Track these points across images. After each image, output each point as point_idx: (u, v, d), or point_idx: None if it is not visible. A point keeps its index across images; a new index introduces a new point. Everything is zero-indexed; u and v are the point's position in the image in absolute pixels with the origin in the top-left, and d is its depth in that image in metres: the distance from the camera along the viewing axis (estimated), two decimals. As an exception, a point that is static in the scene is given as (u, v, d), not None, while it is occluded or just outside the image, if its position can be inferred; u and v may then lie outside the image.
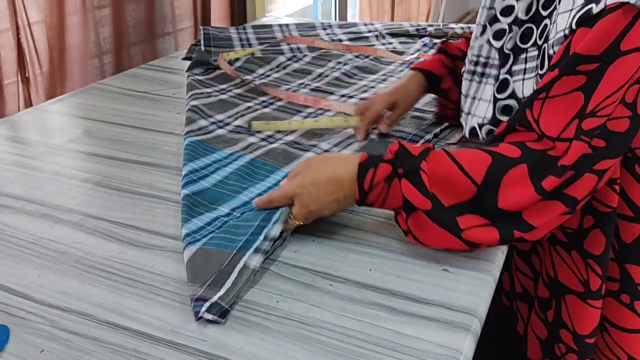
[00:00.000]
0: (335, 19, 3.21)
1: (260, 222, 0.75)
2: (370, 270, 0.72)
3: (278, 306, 0.66)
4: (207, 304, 0.63)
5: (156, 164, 0.99)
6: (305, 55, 1.52)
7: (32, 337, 0.62)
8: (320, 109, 1.19)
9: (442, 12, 4.14)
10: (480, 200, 0.68)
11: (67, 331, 0.63)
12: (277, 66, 1.45)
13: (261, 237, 0.72)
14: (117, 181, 0.93)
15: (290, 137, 1.06)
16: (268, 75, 1.39)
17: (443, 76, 1.03)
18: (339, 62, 1.46)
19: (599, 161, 0.67)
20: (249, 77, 1.36)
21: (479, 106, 0.88)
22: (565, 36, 0.70)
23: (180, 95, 1.29)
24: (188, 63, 1.42)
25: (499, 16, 0.83)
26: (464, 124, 0.93)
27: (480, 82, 0.88)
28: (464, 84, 0.92)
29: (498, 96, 0.83)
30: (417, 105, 1.18)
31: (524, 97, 0.79)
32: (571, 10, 0.69)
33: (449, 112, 1.06)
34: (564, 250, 0.84)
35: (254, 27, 1.78)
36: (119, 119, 1.17)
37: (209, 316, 0.63)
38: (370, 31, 1.74)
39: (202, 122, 1.10)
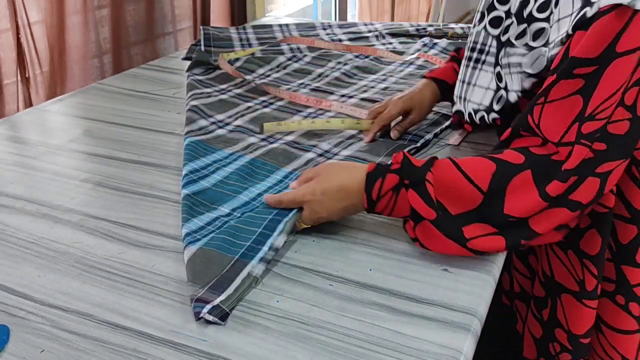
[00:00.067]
0: (335, 19, 3.21)
1: (264, 230, 0.75)
2: (370, 270, 0.72)
3: (278, 306, 0.66)
4: (209, 306, 0.63)
5: (156, 164, 0.99)
6: (305, 55, 1.52)
7: (32, 337, 0.62)
8: (321, 109, 1.19)
9: (442, 12, 4.14)
10: (486, 208, 0.69)
11: (67, 331, 0.63)
12: (277, 66, 1.45)
13: (266, 248, 0.72)
14: (117, 181, 0.93)
15: (290, 137, 1.06)
16: (268, 75, 1.39)
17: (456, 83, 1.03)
18: (339, 62, 1.46)
19: (600, 164, 0.67)
20: (249, 78, 1.36)
21: (474, 92, 0.88)
22: (562, 41, 0.70)
23: (180, 95, 1.29)
24: (188, 63, 1.42)
25: (495, 3, 0.84)
26: (459, 108, 0.93)
27: (475, 68, 0.88)
28: (461, 70, 0.93)
29: (500, 84, 0.83)
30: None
31: (512, 89, 0.80)
32: (571, 14, 0.69)
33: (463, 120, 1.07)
34: (561, 249, 0.85)
35: (254, 27, 1.78)
36: (119, 119, 1.17)
37: (210, 317, 0.63)
38: (370, 31, 1.74)
39: (202, 122, 1.10)
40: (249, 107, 1.20)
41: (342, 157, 0.99)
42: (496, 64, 0.84)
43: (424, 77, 1.08)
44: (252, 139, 1.05)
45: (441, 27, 1.76)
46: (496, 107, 0.83)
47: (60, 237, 0.79)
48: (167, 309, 0.66)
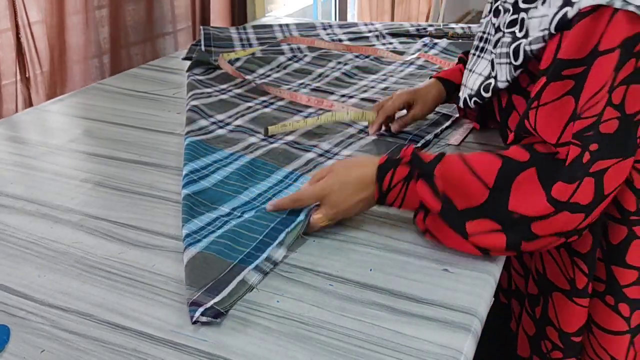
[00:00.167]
0: (335, 19, 3.21)
1: (265, 237, 0.75)
2: (370, 270, 0.72)
3: (278, 306, 0.66)
4: (202, 309, 0.63)
5: (156, 164, 0.99)
6: (305, 55, 1.52)
7: (32, 337, 0.62)
8: (322, 109, 1.19)
9: (442, 12, 4.14)
10: (491, 203, 0.70)
11: (67, 331, 0.63)
12: (278, 66, 1.45)
13: (264, 256, 0.72)
14: (117, 181, 0.93)
15: (290, 137, 1.06)
16: (268, 75, 1.39)
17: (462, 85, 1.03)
18: (339, 62, 1.46)
19: (593, 163, 0.67)
20: (249, 78, 1.36)
21: (471, 78, 0.90)
22: (545, 38, 0.72)
23: (181, 95, 1.29)
24: (188, 63, 1.42)
25: None
26: (460, 95, 0.95)
27: (479, 56, 0.90)
28: (469, 58, 0.94)
29: (492, 73, 0.85)
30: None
31: (500, 79, 0.82)
32: (553, 13, 0.70)
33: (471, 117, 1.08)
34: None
35: (254, 27, 1.78)
36: (119, 119, 1.17)
37: (203, 319, 0.63)
38: (370, 31, 1.74)
39: (203, 122, 1.10)
40: (249, 107, 1.20)
41: (342, 157, 0.99)
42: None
43: (431, 77, 1.09)
44: (253, 139, 1.05)
45: (441, 27, 1.76)
46: (485, 94, 0.85)
47: (60, 237, 0.79)
48: (167, 309, 0.66)
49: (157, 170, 0.97)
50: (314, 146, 1.02)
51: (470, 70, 0.92)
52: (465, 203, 0.71)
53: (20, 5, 1.29)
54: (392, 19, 3.61)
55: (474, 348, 0.61)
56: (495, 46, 0.84)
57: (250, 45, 1.62)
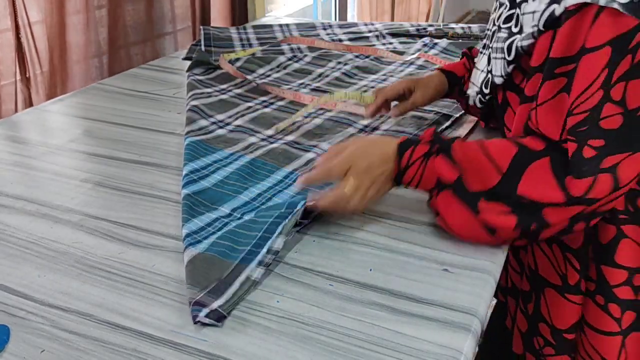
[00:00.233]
0: (335, 19, 3.21)
1: (264, 233, 0.75)
2: (370, 270, 0.72)
3: (278, 306, 0.66)
4: (206, 310, 0.63)
5: (156, 164, 0.99)
6: (305, 55, 1.52)
7: (32, 337, 0.62)
8: (322, 108, 1.19)
9: (442, 12, 4.14)
10: (502, 187, 0.71)
11: (67, 331, 0.63)
12: (278, 66, 1.45)
13: (264, 250, 0.72)
14: (118, 181, 0.93)
15: (290, 137, 1.06)
16: (268, 75, 1.39)
17: (465, 77, 1.04)
18: (339, 62, 1.46)
19: (602, 159, 0.67)
20: (249, 78, 1.36)
21: (476, 75, 0.91)
22: (534, 35, 0.73)
23: (181, 95, 1.29)
24: (188, 63, 1.42)
25: None
26: (468, 94, 0.96)
27: (482, 52, 0.91)
28: (478, 56, 0.95)
29: (488, 68, 0.86)
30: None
31: (495, 74, 0.83)
32: (539, 10, 0.72)
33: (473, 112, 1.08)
34: (545, 242, 0.85)
35: (254, 27, 1.78)
36: (119, 119, 1.17)
37: (206, 320, 0.63)
38: (370, 31, 1.74)
39: (203, 122, 1.10)
40: (249, 107, 1.20)
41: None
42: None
43: (434, 70, 1.09)
44: (253, 139, 1.05)
45: (441, 27, 1.76)
46: (485, 90, 0.86)
47: (60, 237, 0.79)
48: (167, 309, 0.66)
49: (157, 170, 0.97)
50: (314, 146, 1.02)
51: (477, 68, 0.93)
52: (478, 184, 0.72)
53: (20, 5, 1.29)
54: (392, 19, 3.61)
55: (474, 348, 0.61)
56: (492, 41, 0.85)
57: (250, 45, 1.62)
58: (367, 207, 0.79)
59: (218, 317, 0.63)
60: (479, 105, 0.91)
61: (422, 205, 0.85)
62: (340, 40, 1.66)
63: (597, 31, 0.66)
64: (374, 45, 1.63)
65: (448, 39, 1.64)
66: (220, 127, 1.09)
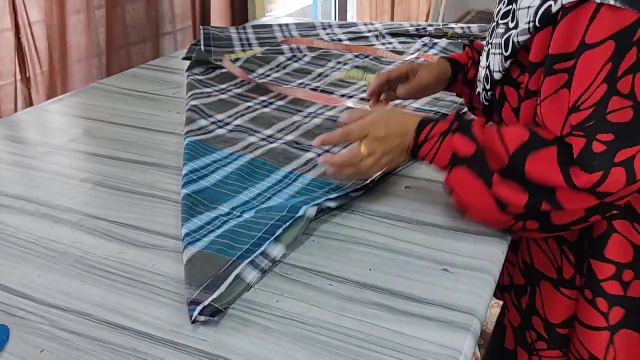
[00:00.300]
0: (335, 19, 3.21)
1: (264, 234, 0.75)
2: (370, 270, 0.72)
3: (278, 306, 0.66)
4: (200, 307, 0.63)
5: (156, 164, 0.99)
6: (305, 55, 1.52)
7: (32, 337, 0.62)
8: (322, 108, 1.19)
9: (442, 12, 4.14)
10: (512, 167, 0.72)
11: (67, 331, 0.63)
12: (277, 66, 1.45)
13: (260, 250, 0.72)
14: (117, 181, 0.93)
15: (290, 137, 1.06)
16: (268, 75, 1.39)
17: (468, 65, 1.03)
18: (339, 62, 1.46)
19: (615, 153, 0.68)
20: (257, 81, 1.36)
21: (480, 73, 0.91)
22: (530, 30, 0.74)
23: (181, 95, 1.29)
24: (188, 63, 1.42)
25: None
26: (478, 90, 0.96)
27: (484, 50, 0.91)
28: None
29: (487, 63, 0.87)
30: (417, 105, 1.18)
31: (494, 70, 0.83)
32: (534, 5, 0.72)
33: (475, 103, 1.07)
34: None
35: (254, 27, 1.78)
36: (119, 119, 1.17)
37: (202, 318, 0.63)
38: (370, 31, 1.74)
39: (203, 122, 1.10)
40: (249, 107, 1.20)
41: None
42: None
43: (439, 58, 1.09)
44: (252, 139, 1.05)
45: (441, 27, 1.76)
46: (486, 85, 0.87)
47: (60, 237, 0.79)
48: (167, 309, 0.66)
49: (157, 170, 0.97)
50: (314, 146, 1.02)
51: (480, 66, 0.93)
52: (493, 162, 0.74)
53: (20, 5, 1.29)
54: (392, 19, 3.60)
55: (473, 348, 0.61)
56: (491, 37, 0.85)
57: (250, 45, 1.62)
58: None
59: (213, 313, 0.63)
60: (484, 102, 0.91)
61: (422, 205, 0.85)
62: (340, 40, 1.66)
63: (598, 27, 0.67)
64: (373, 45, 1.63)
65: (448, 39, 1.64)
66: (220, 127, 1.09)
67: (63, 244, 0.78)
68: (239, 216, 0.81)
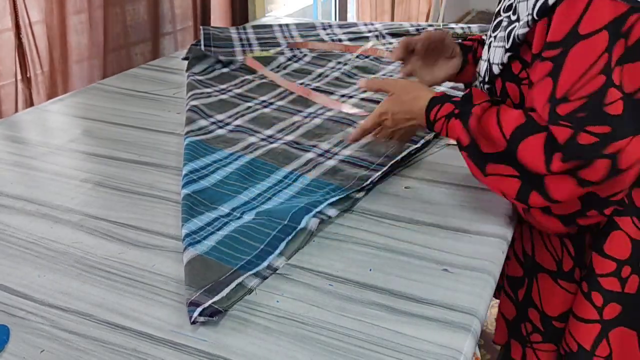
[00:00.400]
0: (335, 19, 3.21)
1: (266, 247, 0.74)
2: (370, 270, 0.72)
3: (278, 306, 0.66)
4: (200, 309, 0.63)
5: (156, 164, 0.99)
6: (305, 55, 1.52)
7: (32, 337, 0.62)
8: (322, 108, 1.19)
9: (442, 12, 4.14)
10: (508, 153, 0.73)
11: (67, 331, 0.63)
12: (278, 66, 1.45)
13: (264, 264, 0.72)
14: (117, 181, 0.93)
15: (290, 137, 1.06)
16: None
17: (474, 46, 1.02)
18: (339, 62, 1.46)
19: (607, 145, 0.67)
20: (259, 73, 1.36)
21: (480, 65, 0.92)
22: (528, 23, 0.74)
23: (181, 95, 1.29)
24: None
25: None
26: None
27: (486, 44, 0.91)
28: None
29: (488, 56, 0.87)
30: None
31: (494, 62, 0.83)
32: None
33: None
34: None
35: (254, 27, 1.78)
36: (119, 119, 1.17)
37: (201, 319, 0.63)
38: (370, 31, 1.74)
39: (202, 122, 1.10)
40: (249, 107, 1.20)
41: (342, 156, 0.99)
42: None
43: None
44: (252, 139, 1.05)
45: (441, 27, 1.76)
46: (486, 78, 0.87)
47: (60, 237, 0.79)
48: (167, 309, 0.66)
49: (157, 170, 0.97)
50: (314, 146, 1.02)
51: (481, 59, 0.92)
52: (488, 148, 0.75)
53: (21, 5, 1.29)
54: (392, 19, 3.60)
55: (473, 348, 0.61)
56: (494, 30, 0.85)
57: (250, 45, 1.62)
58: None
59: (212, 313, 0.63)
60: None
61: (422, 205, 0.85)
62: (340, 40, 1.66)
63: (592, 17, 0.67)
64: (373, 45, 1.63)
65: (448, 39, 1.64)
66: (220, 127, 1.09)
67: (63, 244, 0.78)
68: (239, 217, 0.81)
